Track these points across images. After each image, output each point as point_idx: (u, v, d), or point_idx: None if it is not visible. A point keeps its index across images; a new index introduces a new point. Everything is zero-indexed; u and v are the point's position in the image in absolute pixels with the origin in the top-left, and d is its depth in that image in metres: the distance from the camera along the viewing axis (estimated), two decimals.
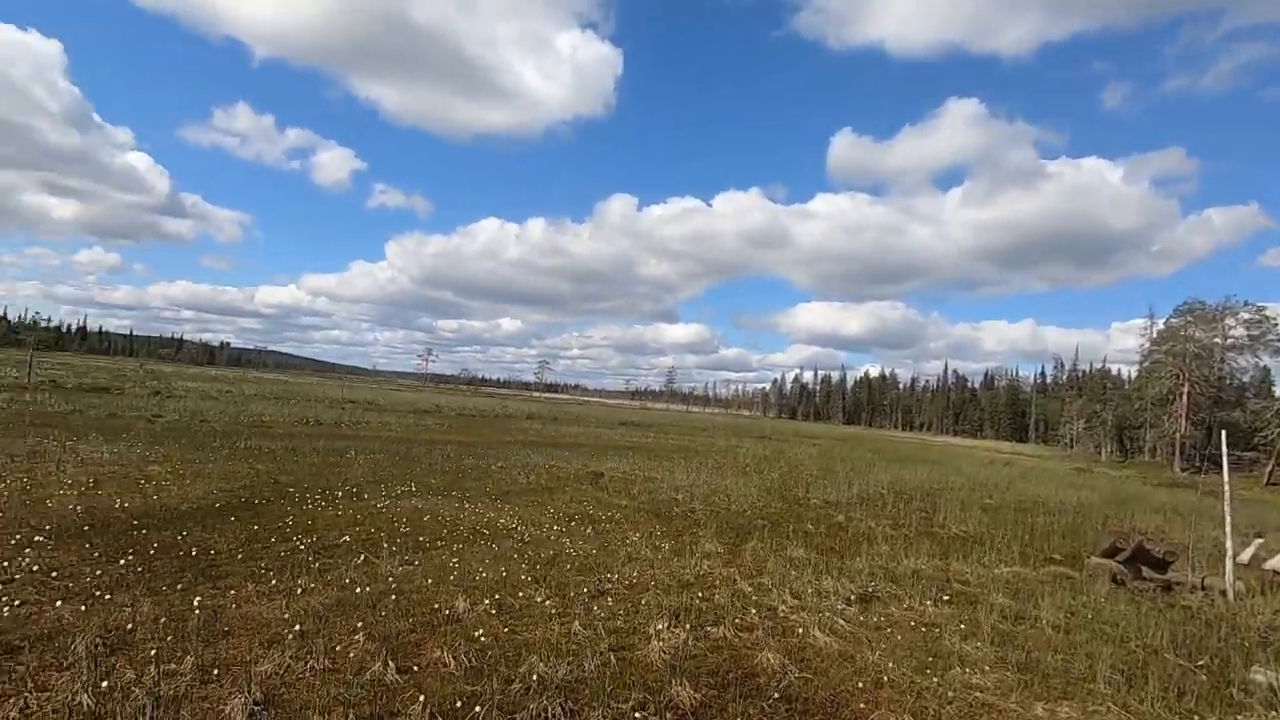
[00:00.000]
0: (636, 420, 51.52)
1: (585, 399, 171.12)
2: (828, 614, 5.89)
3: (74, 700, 3.37)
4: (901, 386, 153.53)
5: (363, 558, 6.44)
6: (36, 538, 5.94)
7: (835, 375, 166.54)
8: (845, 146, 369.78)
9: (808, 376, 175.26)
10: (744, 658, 4.87)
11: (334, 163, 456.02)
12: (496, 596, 5.66)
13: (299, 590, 5.35)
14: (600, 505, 10.76)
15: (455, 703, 3.79)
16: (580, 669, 4.38)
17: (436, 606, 5.27)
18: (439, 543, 7.32)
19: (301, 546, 6.61)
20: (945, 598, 6.73)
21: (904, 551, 8.78)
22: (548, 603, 5.63)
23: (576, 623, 5.18)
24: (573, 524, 9.04)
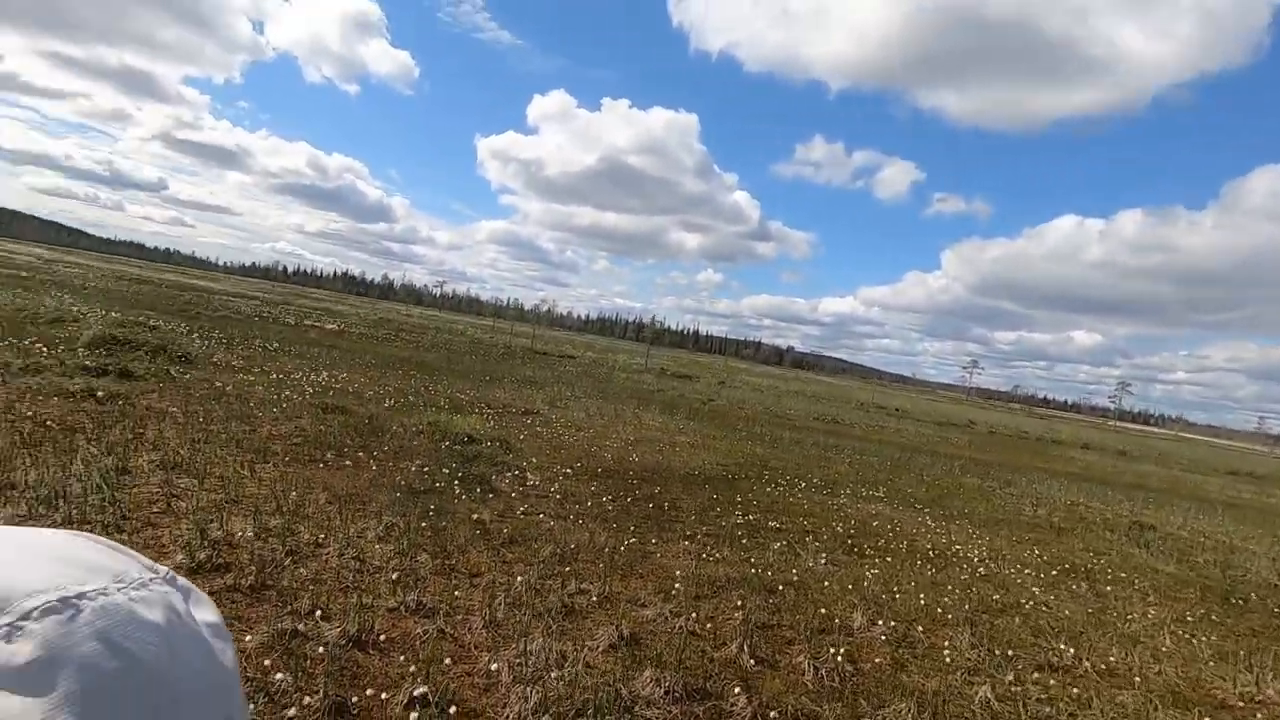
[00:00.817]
0: (1262, 472, 36.72)
1: (1186, 434, 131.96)
2: None
3: (515, 587, 4.45)
4: None
5: (784, 544, 6.51)
6: (567, 470, 8.07)
7: None
8: None
9: None
10: None
11: (895, 177, 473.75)
12: (902, 624, 4.92)
13: (711, 558, 5.77)
14: (1122, 564, 8.14)
15: (781, 713, 3.47)
16: None
17: (826, 612, 4.91)
18: (870, 551, 6.79)
19: (740, 522, 7.10)
20: None
21: None
22: (963, 652, 4.59)
23: (987, 687, 4.07)
24: (1058, 573, 7.10)
